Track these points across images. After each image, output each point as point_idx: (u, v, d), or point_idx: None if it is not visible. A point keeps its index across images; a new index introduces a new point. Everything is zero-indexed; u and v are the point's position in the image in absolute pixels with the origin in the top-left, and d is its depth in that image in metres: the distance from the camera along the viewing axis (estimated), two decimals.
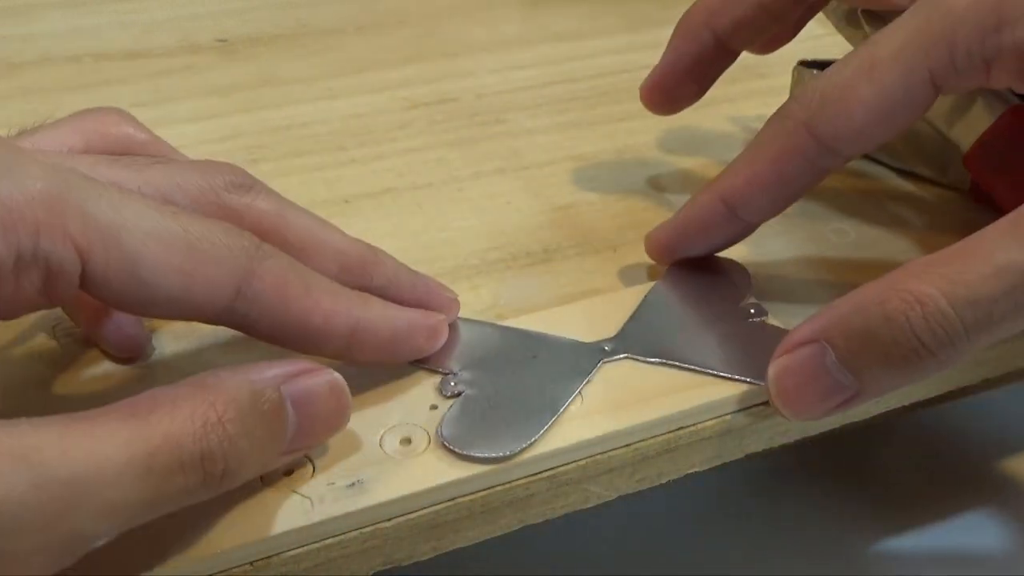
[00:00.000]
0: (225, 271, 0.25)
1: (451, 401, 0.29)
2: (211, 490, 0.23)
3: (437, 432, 0.28)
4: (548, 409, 0.28)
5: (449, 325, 0.30)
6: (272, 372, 0.25)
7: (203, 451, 0.23)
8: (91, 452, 0.21)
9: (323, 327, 0.27)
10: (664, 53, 0.38)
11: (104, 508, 0.21)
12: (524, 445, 0.27)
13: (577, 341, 0.31)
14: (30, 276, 0.23)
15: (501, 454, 0.27)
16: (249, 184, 0.28)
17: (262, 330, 0.26)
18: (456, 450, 0.27)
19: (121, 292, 0.24)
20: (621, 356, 0.31)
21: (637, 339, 0.31)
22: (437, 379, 0.30)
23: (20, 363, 0.31)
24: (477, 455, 0.27)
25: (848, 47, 0.47)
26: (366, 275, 0.29)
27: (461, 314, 0.32)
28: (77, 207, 0.23)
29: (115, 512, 0.21)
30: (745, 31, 0.36)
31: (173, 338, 0.32)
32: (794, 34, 0.39)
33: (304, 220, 0.29)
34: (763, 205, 0.32)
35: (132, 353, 0.31)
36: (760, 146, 0.32)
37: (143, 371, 0.31)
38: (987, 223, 0.27)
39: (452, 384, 0.29)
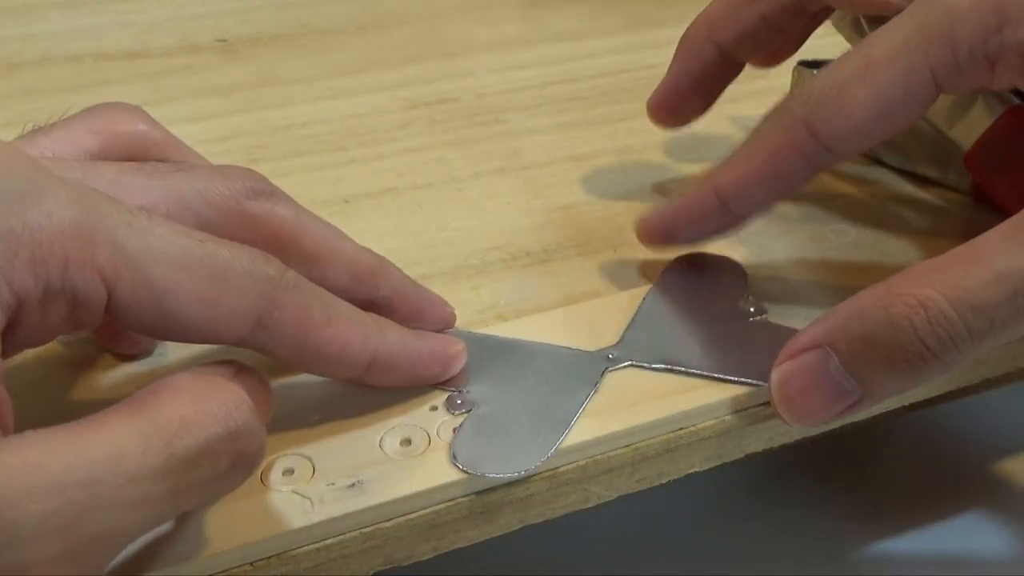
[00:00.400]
0: (247, 302, 0.25)
1: (456, 411, 0.29)
2: (239, 473, 0.23)
3: (451, 456, 0.27)
4: (558, 425, 0.28)
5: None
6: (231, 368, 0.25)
7: (230, 431, 0.23)
8: (105, 447, 0.21)
9: (340, 357, 0.27)
10: (669, 69, 0.38)
11: (129, 503, 0.21)
12: (537, 464, 0.27)
13: (580, 351, 0.31)
14: (57, 307, 0.23)
15: (515, 474, 0.27)
16: (269, 191, 0.29)
17: (280, 356, 0.26)
18: (471, 471, 0.27)
19: (144, 319, 0.24)
20: (625, 364, 0.31)
21: (639, 346, 0.31)
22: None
23: (23, 363, 0.31)
24: (492, 476, 0.27)
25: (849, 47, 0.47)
26: (373, 285, 0.30)
27: (464, 323, 0.32)
28: (105, 236, 0.23)
29: (141, 506, 0.21)
30: (748, 43, 0.37)
31: None
32: (797, 46, 0.39)
33: (320, 229, 0.29)
34: (756, 200, 0.32)
35: (136, 350, 0.31)
36: (757, 142, 0.32)
37: (149, 368, 0.31)
38: (988, 223, 0.27)
39: (459, 402, 0.29)
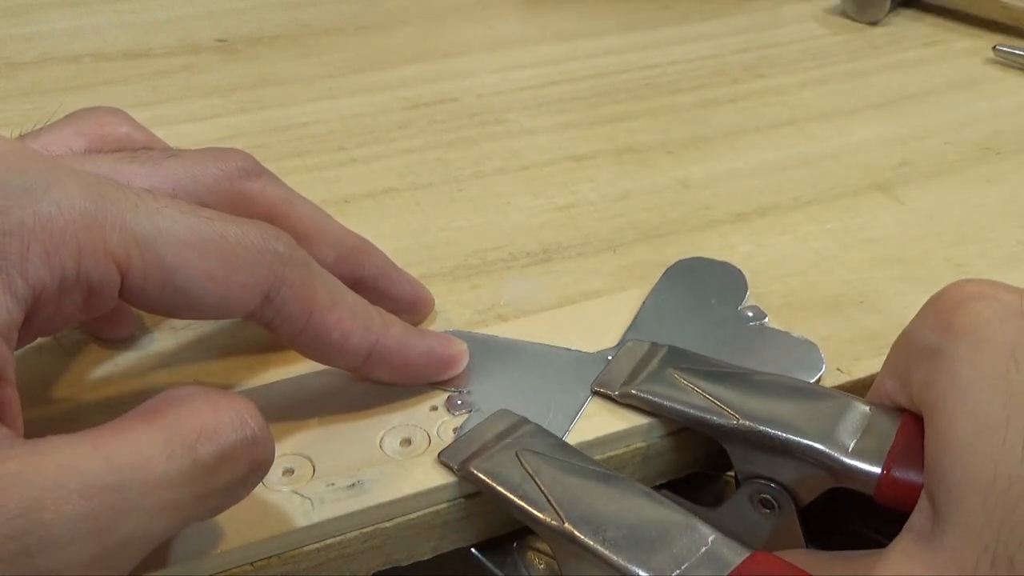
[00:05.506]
0: (256, 277, 0.25)
1: (456, 411, 0.29)
2: (253, 479, 0.23)
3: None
4: (558, 426, 0.28)
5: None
6: None
7: (247, 438, 0.23)
8: (132, 454, 0.21)
9: (340, 343, 0.27)
10: None
11: (156, 508, 0.21)
12: None
13: (581, 352, 0.31)
14: (73, 296, 0.23)
15: None
16: (259, 171, 0.29)
17: (283, 334, 0.27)
18: None
19: (156, 299, 0.24)
20: None
21: None
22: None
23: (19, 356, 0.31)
24: None
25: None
26: (359, 264, 0.30)
27: (465, 323, 0.32)
28: (114, 221, 0.23)
29: (168, 511, 0.21)
30: None
31: (171, 330, 0.32)
32: None
33: (308, 208, 0.30)
34: None
35: (124, 334, 0.31)
36: None
37: (139, 356, 0.31)
38: None
39: (459, 402, 0.29)
